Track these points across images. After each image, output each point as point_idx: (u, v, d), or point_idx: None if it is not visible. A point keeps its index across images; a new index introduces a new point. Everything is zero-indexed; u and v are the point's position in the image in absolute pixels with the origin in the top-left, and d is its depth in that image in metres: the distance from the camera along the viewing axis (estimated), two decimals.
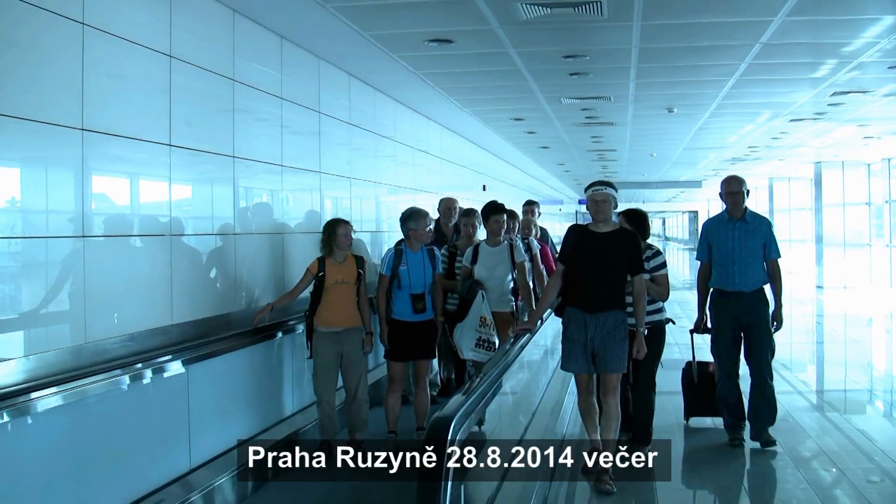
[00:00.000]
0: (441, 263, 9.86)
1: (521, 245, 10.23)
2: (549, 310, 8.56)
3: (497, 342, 9.48)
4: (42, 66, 5.89)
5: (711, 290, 9.46)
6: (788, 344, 18.49)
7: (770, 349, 9.26)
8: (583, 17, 8.96)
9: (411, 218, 9.31)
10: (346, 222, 9.01)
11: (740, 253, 9.21)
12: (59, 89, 6.06)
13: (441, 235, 11.54)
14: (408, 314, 9.25)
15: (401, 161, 14.61)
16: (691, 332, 9.72)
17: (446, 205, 12.06)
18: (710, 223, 9.61)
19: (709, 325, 9.50)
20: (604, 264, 7.72)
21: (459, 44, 10.22)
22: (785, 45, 10.44)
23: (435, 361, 11.09)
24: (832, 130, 19.39)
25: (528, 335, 8.38)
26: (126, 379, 6.47)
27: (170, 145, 7.32)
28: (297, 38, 9.89)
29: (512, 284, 9.95)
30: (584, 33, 9.92)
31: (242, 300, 8.75)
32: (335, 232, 8.86)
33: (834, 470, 8.35)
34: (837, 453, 8.86)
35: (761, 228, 9.35)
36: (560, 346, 8.08)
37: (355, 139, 12.14)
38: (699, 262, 9.59)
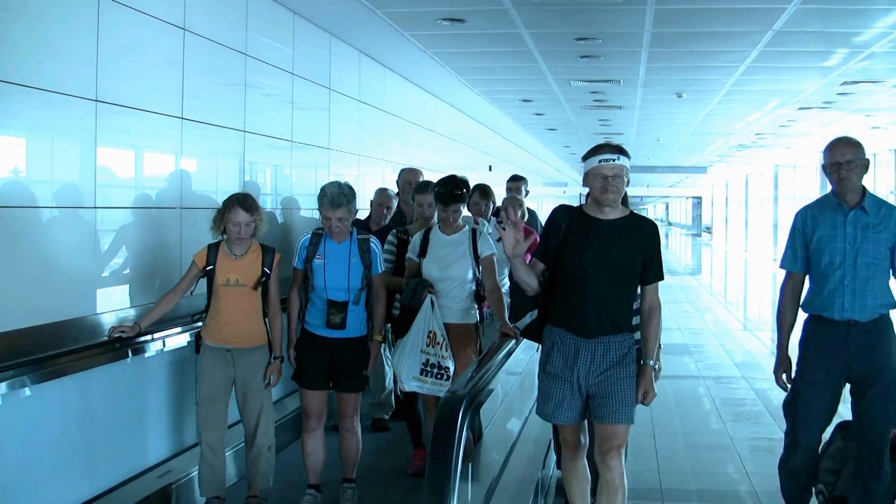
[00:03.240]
0: (387, 256, 7.72)
1: (488, 232, 7.95)
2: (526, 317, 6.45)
3: (452, 367, 7.16)
4: (56, 36, 5.90)
5: (806, 318, 6.33)
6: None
7: None
8: None
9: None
10: (250, 206, 6.60)
11: (855, 260, 6.02)
12: (74, 60, 6.07)
13: (402, 217, 9.34)
14: (321, 327, 6.83)
15: (408, 139, 14.61)
16: (782, 383, 6.37)
17: (406, 178, 9.80)
18: (808, 212, 6.25)
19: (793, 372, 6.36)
20: (608, 266, 5.44)
21: (471, 23, 10.20)
22: (797, 33, 10.40)
23: (390, 373, 9.13)
24: (840, 119, 19.35)
25: (510, 344, 6.82)
26: None
27: (181, 118, 7.33)
28: (309, 14, 9.87)
29: (473, 287, 7.42)
30: (597, 16, 9.90)
31: None
32: (227, 218, 6.56)
33: None
34: None
35: (889, 222, 6.05)
36: (539, 379, 5.73)
37: (364, 116, 12.14)
38: (784, 273, 6.41)
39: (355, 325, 6.89)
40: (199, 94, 7.61)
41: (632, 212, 5.69)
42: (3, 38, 5.34)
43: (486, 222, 8.68)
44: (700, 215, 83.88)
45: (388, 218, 9.11)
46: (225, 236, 6.66)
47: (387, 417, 9.46)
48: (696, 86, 15.15)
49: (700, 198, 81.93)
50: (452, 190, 7.36)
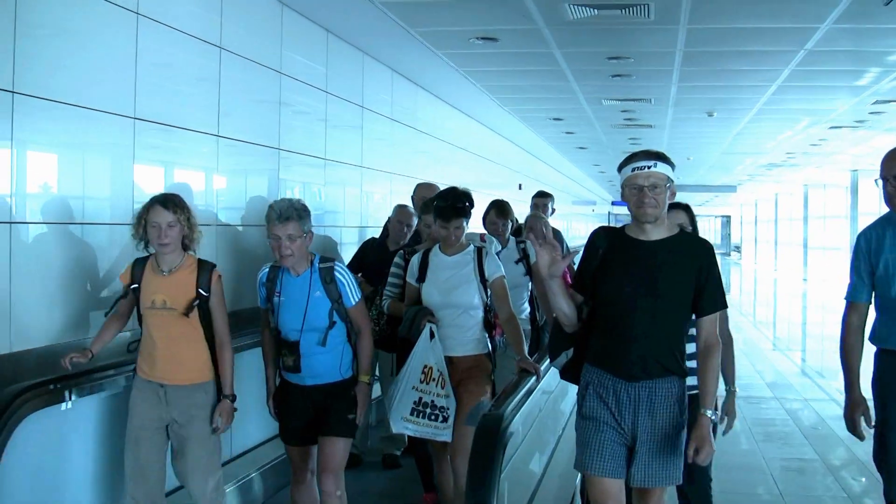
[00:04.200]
0: (393, 280, 6.99)
1: (495, 251, 7.22)
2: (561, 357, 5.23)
3: (451, 407, 6.25)
4: (95, 54, 5.97)
5: (876, 352, 5.39)
6: (820, 352, 18.48)
7: None
8: (629, 18, 8.94)
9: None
10: (173, 204, 5.43)
11: None
12: (113, 77, 6.13)
13: (417, 237, 8.42)
14: (295, 375, 5.88)
15: (439, 158, 14.64)
16: (859, 431, 5.39)
17: (421, 193, 8.86)
18: (872, 233, 5.41)
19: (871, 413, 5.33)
20: (653, 295, 4.70)
21: (504, 42, 10.23)
22: (829, 52, 10.36)
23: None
24: (871, 139, 19.26)
25: (529, 381, 6.12)
26: None
27: (217, 136, 7.39)
28: (343, 33, 9.93)
29: (482, 313, 6.47)
30: (630, 35, 9.90)
31: None
32: (147, 219, 5.39)
33: (863, 479, 8.36)
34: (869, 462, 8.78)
35: None
36: (577, 427, 4.94)
37: (396, 134, 12.18)
38: (847, 303, 5.50)
39: (331, 369, 5.88)
40: (234, 111, 7.66)
41: (682, 229, 5.06)
42: (41, 54, 5.40)
43: (493, 240, 7.83)
44: (729, 234, 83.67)
45: (409, 237, 8.50)
46: (138, 247, 5.54)
47: (398, 453, 8.64)
48: (728, 105, 15.12)
49: (729, 217, 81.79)
50: (454, 203, 6.37)
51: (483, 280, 6.41)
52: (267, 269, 5.93)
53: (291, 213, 5.70)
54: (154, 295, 5.43)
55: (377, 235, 9.09)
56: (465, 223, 6.46)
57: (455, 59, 11.37)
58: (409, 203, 9.02)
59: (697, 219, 6.10)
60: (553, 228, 9.55)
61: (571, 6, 8.57)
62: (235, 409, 5.66)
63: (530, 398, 6.08)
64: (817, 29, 9.25)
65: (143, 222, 5.39)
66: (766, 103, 14.51)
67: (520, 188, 21.32)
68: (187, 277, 5.50)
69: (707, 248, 4.93)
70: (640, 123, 17.51)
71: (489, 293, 6.47)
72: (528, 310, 8.01)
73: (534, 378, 6.22)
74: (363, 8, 8.67)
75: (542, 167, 26.31)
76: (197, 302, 5.47)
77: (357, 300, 5.90)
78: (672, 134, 19.38)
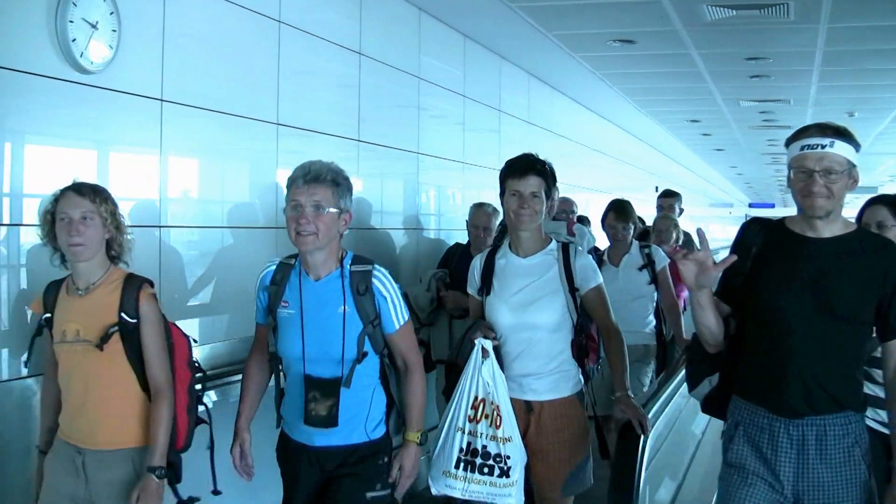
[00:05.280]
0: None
1: (588, 246, 6.19)
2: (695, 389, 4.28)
3: (516, 456, 4.56)
4: (239, 62, 6.10)
5: None
6: None
7: None
8: (768, 18, 8.80)
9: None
10: (88, 192, 3.94)
11: None
12: (258, 85, 6.25)
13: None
14: (299, 429, 4.13)
15: (575, 160, 14.59)
16: None
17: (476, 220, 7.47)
18: None
19: None
20: (822, 309, 3.76)
21: (641, 44, 10.16)
22: None
23: None
24: None
25: (640, 442, 4.79)
26: None
27: (357, 140, 7.48)
28: (480, 38, 9.96)
29: (571, 336, 4.77)
30: (768, 35, 9.74)
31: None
32: (57, 211, 3.91)
33: None
34: None
35: None
36: (720, 478, 4.02)
37: (533, 137, 12.18)
38: None
39: (353, 424, 4.04)
40: (373, 116, 7.74)
41: (859, 226, 4.13)
42: (188, 63, 5.54)
43: (585, 231, 6.91)
44: None
45: (490, 242, 6.98)
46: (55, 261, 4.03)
47: None
48: (869, 104, 14.76)
49: None
50: (526, 159, 4.99)
51: (573, 289, 4.70)
52: (273, 267, 4.21)
53: (326, 174, 4.02)
54: (66, 324, 3.92)
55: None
56: (544, 196, 4.75)
57: (592, 62, 11.33)
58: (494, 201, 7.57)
59: None
60: (684, 231, 9.05)
61: (709, 7, 8.48)
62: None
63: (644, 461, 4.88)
64: None
65: (49, 218, 3.91)
66: None
67: (656, 190, 21.18)
68: (108, 297, 3.93)
69: (894, 249, 3.88)
70: (779, 125, 17.23)
71: (580, 306, 4.76)
72: (654, 323, 7.43)
73: (640, 436, 4.78)
74: (500, 12, 8.69)
75: (678, 169, 26.08)
76: (115, 330, 3.88)
77: (403, 323, 4.13)
78: None
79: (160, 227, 5.37)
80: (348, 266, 4.08)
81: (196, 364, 4.22)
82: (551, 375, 4.69)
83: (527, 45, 10.35)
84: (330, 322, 3.99)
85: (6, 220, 4.35)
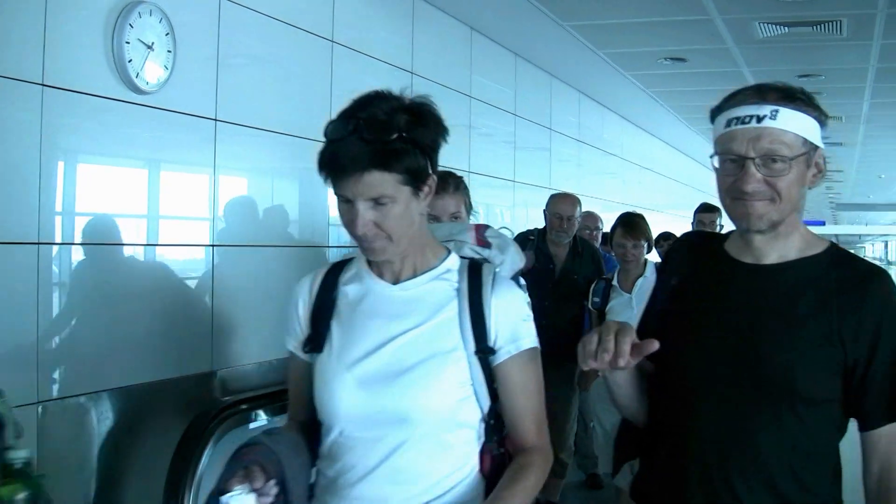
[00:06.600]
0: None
1: (513, 265, 2.97)
2: None
3: None
4: (293, 81, 6.13)
5: None
6: None
7: None
8: (820, 35, 8.74)
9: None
10: None
11: None
12: (312, 105, 6.28)
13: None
14: None
15: (626, 178, 14.57)
16: None
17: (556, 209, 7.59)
18: None
19: None
20: (753, 378, 2.43)
21: (692, 62, 10.14)
22: None
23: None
24: None
25: None
26: None
27: None
28: (531, 56, 9.97)
29: (481, 436, 2.70)
30: (820, 52, 9.68)
31: None
32: None
33: None
34: None
35: None
36: None
37: (583, 155, 12.17)
38: None
39: None
40: None
41: (832, 245, 2.59)
42: (243, 83, 5.58)
43: (509, 243, 6.42)
44: None
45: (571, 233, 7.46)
46: None
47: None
48: None
49: None
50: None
51: (483, 349, 2.61)
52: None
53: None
54: None
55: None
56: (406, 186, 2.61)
57: (643, 80, 11.32)
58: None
59: (888, 238, 3.71)
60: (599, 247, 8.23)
61: (761, 25, 8.45)
62: None
63: None
64: None
65: None
66: None
67: None
68: None
69: (882, 287, 2.47)
70: (831, 141, 17.11)
71: (494, 382, 2.67)
72: None
73: None
74: (551, 31, 8.70)
75: None
76: None
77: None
78: (863, 151, 18.86)
79: (213, 245, 5.41)
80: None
81: None
82: None
83: (577, 63, 10.35)
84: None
85: (58, 239, 4.39)
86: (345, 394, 2.60)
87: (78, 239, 4.50)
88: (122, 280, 4.69)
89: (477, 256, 2.88)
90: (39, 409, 4.13)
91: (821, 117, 2.54)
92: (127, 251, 4.86)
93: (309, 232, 6.39)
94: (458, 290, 2.66)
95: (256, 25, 5.72)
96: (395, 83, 7.17)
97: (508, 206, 9.84)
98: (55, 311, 4.40)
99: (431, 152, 2.68)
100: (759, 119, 2.44)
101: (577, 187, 11.64)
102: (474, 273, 2.70)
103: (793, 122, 2.46)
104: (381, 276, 2.72)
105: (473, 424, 2.67)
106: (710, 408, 2.46)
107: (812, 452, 2.45)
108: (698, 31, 8.78)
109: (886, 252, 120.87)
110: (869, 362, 2.38)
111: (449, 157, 8.09)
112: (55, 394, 4.28)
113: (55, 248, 4.38)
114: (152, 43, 4.66)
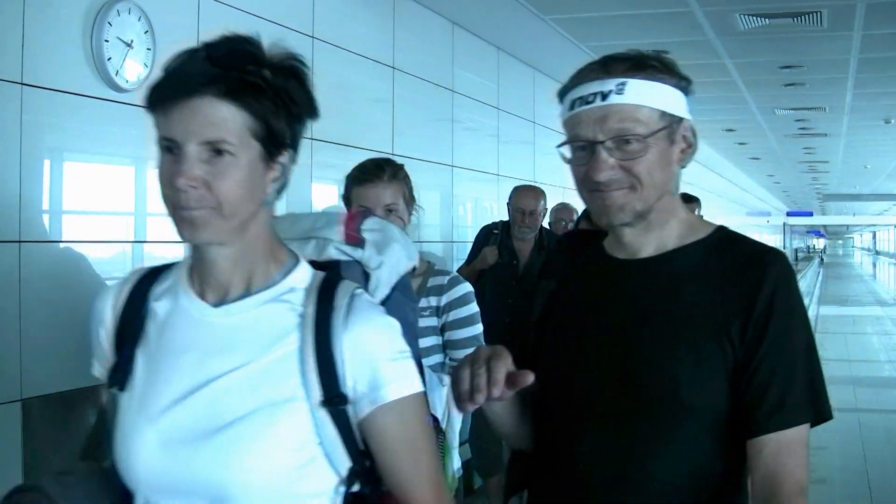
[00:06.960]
0: None
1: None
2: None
3: None
4: None
5: None
6: None
7: None
8: (802, 26, 8.77)
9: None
10: None
11: None
12: None
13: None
14: None
15: None
16: None
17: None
18: None
19: None
20: (634, 382, 2.10)
21: (674, 54, 9.93)
22: None
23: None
24: None
25: None
26: None
27: (392, 154, 7.51)
28: (513, 50, 10.01)
29: None
30: (803, 43, 9.74)
31: None
32: None
33: None
34: None
35: None
36: None
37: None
38: None
39: None
40: (407, 129, 7.78)
41: (719, 228, 2.30)
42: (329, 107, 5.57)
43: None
44: None
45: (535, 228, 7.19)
46: None
47: None
48: None
49: None
50: None
51: (333, 397, 1.89)
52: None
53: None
54: None
55: None
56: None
57: None
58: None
59: (875, 228, 3.51)
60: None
61: (742, 16, 8.48)
62: None
63: None
64: None
65: None
66: None
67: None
68: None
69: (773, 271, 2.12)
70: (815, 132, 17.21)
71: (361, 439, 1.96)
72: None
73: None
74: (533, 25, 8.73)
75: (715, 178, 25.99)
76: None
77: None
78: (848, 142, 18.98)
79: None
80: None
81: None
82: None
83: (560, 57, 10.33)
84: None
85: (47, 238, 4.39)
86: (145, 455, 1.89)
87: (60, 237, 4.51)
88: (104, 277, 4.68)
89: (345, 259, 2.17)
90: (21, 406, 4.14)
91: (682, 84, 2.25)
92: (111, 248, 4.88)
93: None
94: (303, 318, 1.93)
95: (235, 22, 5.70)
96: (376, 78, 7.26)
97: (493, 199, 9.85)
98: (37, 308, 4.41)
99: (297, 123, 2.00)
100: (605, 96, 2.09)
101: (561, 180, 11.66)
102: (326, 293, 1.96)
103: (645, 95, 2.12)
104: (201, 294, 1.99)
105: (325, 495, 1.94)
106: (597, 427, 2.12)
107: (713, 474, 2.10)
108: (679, 24, 8.80)
109: (874, 241, 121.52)
110: (755, 355, 2.04)
111: (432, 152, 8.19)
112: (38, 391, 4.28)
113: (42, 246, 4.40)
114: (132, 41, 4.66)
